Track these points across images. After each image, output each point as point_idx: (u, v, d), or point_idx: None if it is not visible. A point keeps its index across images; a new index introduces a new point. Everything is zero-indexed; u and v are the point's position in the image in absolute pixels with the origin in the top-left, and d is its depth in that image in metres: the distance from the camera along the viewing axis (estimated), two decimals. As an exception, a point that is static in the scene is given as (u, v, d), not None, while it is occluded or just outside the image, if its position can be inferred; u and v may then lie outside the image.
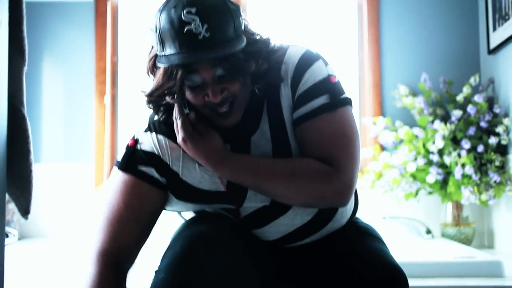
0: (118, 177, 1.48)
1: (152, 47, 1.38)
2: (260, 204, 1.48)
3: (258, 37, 1.40)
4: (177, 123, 1.41)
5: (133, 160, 1.47)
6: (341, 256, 1.43)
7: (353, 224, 1.61)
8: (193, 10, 1.27)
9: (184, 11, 1.27)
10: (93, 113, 3.16)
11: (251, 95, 1.44)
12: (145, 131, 1.50)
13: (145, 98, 1.43)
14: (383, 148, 3.04)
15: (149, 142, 1.48)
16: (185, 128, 1.40)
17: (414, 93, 3.02)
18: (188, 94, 1.37)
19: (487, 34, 2.94)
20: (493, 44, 2.87)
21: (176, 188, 1.47)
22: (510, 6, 2.65)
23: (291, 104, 1.44)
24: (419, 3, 3.16)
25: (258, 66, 1.39)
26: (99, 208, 1.49)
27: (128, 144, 1.50)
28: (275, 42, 1.48)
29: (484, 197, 2.67)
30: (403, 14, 3.16)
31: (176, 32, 1.27)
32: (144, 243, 1.49)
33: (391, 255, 1.44)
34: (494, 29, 2.85)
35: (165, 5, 1.31)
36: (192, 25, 1.26)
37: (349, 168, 1.40)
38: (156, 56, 1.36)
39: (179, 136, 1.41)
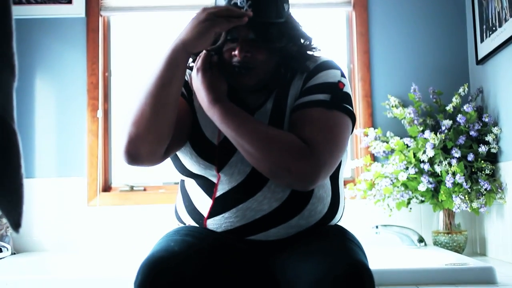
0: None
1: None
2: (236, 177, 1.59)
3: (300, 27, 1.64)
4: (200, 56, 1.60)
5: None
6: (305, 253, 1.46)
7: (326, 226, 1.66)
8: None
9: None
10: (86, 128, 3.17)
11: (273, 75, 1.63)
12: None
13: None
14: (374, 158, 3.06)
15: None
16: (204, 61, 1.59)
17: (404, 104, 3.05)
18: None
19: (475, 44, 2.97)
20: (481, 55, 2.90)
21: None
22: (497, 17, 2.68)
23: (298, 94, 1.61)
24: (408, 14, 3.19)
25: (288, 46, 1.60)
26: None
27: None
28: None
29: (475, 205, 2.68)
30: (392, 25, 3.19)
31: (226, 3, 1.54)
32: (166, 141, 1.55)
33: (358, 252, 1.45)
34: (482, 40, 2.88)
35: None
36: (239, 0, 1.52)
37: (325, 156, 1.50)
38: None
39: (196, 65, 1.60)
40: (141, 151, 1.50)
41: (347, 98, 1.60)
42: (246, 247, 1.60)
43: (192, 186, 1.68)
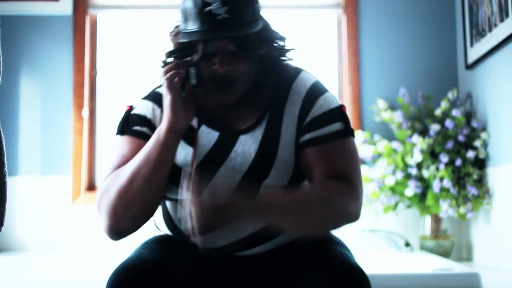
0: (117, 141, 1.57)
1: (176, 26, 1.52)
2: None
3: (273, 28, 1.55)
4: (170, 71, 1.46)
5: (127, 123, 1.58)
6: (298, 261, 1.45)
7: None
8: None
9: None
10: (71, 127, 3.13)
11: (256, 92, 1.56)
12: (144, 98, 1.61)
13: (161, 62, 1.53)
14: (362, 162, 3.05)
15: (143, 107, 1.59)
16: (171, 79, 1.46)
17: (393, 107, 3.04)
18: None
19: (464, 49, 2.97)
20: (470, 60, 2.90)
21: None
22: (487, 23, 2.68)
23: (296, 121, 1.53)
24: (398, 18, 3.19)
25: (269, 52, 1.52)
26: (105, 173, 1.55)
27: (125, 110, 1.61)
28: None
29: (462, 210, 2.68)
30: (382, 28, 3.19)
31: (199, 11, 1.40)
32: None
33: (352, 257, 1.47)
34: (472, 44, 2.88)
35: None
36: (213, 6, 1.39)
37: (360, 186, 1.50)
38: (178, 32, 1.49)
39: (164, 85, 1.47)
40: (129, 228, 1.49)
41: (349, 119, 1.59)
42: (228, 261, 1.58)
43: (172, 205, 1.62)
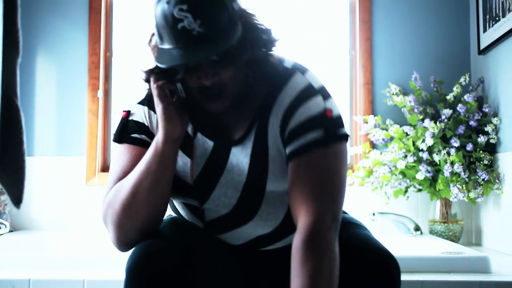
0: (117, 149, 1.52)
1: (152, 34, 1.41)
2: (222, 209, 1.51)
3: (257, 22, 1.41)
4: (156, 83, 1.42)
5: (125, 131, 1.51)
6: None
7: None
8: (185, 7, 1.26)
9: (176, 8, 1.26)
10: (86, 108, 3.17)
11: (247, 94, 1.47)
12: (139, 103, 1.54)
13: (144, 76, 1.45)
14: (373, 146, 3.07)
15: (140, 114, 1.52)
16: (160, 90, 1.41)
17: (405, 92, 3.05)
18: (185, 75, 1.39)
19: (477, 34, 2.97)
20: (483, 45, 2.90)
21: None
22: (501, 8, 2.68)
23: (278, 134, 1.45)
24: (411, 2, 3.19)
25: (255, 54, 1.39)
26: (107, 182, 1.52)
27: (121, 116, 1.54)
28: (282, 52, 1.48)
29: (472, 194, 2.69)
30: (395, 13, 3.19)
31: (171, 28, 1.28)
32: None
33: (375, 239, 1.47)
34: (485, 29, 2.88)
35: None
36: (185, 22, 1.26)
37: (336, 208, 1.38)
38: (157, 46, 1.38)
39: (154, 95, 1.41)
40: (137, 239, 1.44)
41: (338, 121, 1.44)
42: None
43: (181, 206, 1.62)
